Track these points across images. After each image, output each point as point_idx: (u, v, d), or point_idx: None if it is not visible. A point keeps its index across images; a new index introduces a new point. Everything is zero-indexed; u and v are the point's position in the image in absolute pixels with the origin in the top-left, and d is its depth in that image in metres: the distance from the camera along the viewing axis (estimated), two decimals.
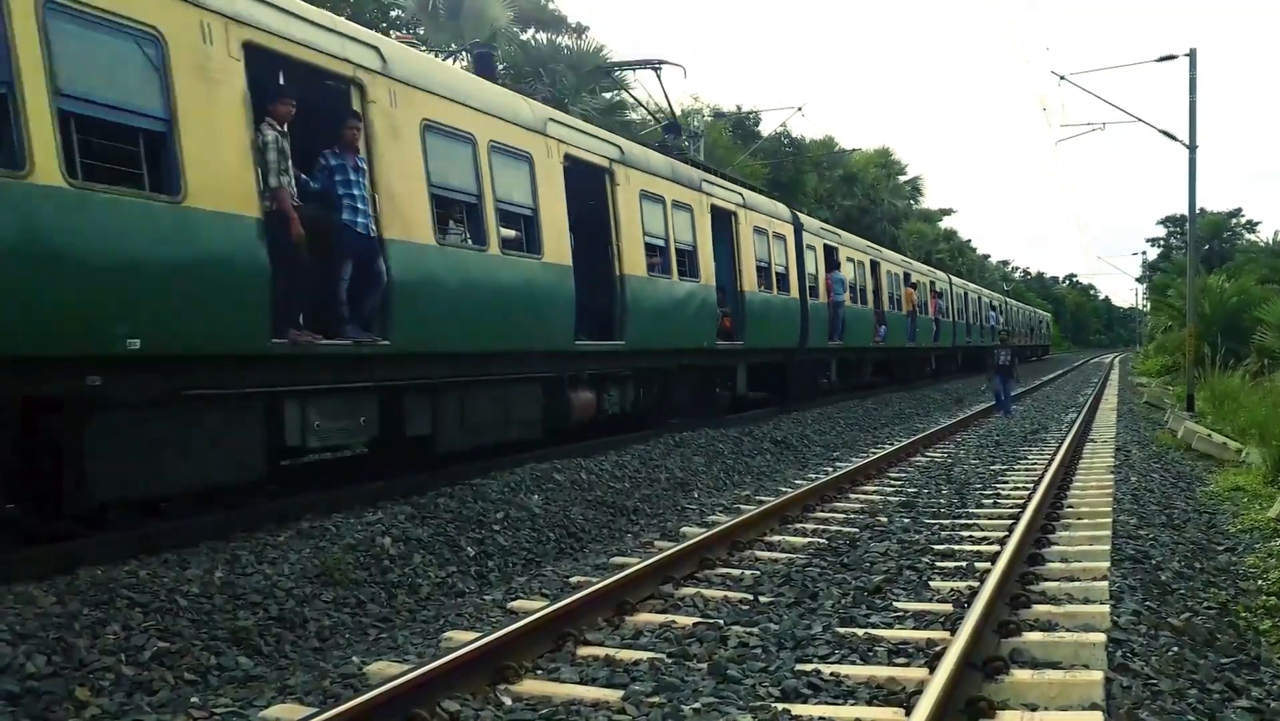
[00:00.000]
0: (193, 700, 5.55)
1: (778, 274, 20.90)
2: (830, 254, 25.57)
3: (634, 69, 22.95)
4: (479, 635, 6.03)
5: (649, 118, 25.65)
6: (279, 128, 8.92)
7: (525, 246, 12.11)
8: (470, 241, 11.06)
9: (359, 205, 9.44)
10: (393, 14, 29.27)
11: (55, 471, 7.35)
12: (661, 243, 15.72)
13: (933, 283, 38.23)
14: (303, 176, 9.37)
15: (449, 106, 10.74)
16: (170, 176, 7.56)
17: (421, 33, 28.85)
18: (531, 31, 33.48)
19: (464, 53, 26.94)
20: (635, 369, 15.32)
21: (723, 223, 18.46)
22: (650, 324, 15.08)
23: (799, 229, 23.10)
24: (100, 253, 7.02)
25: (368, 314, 9.62)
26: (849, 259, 27.09)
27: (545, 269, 12.23)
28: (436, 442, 10.85)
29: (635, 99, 30.08)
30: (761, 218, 20.43)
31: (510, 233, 11.81)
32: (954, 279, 44.62)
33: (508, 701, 5.29)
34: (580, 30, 34.25)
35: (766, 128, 46.11)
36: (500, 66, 26.93)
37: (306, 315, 9.31)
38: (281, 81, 9.42)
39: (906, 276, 34.07)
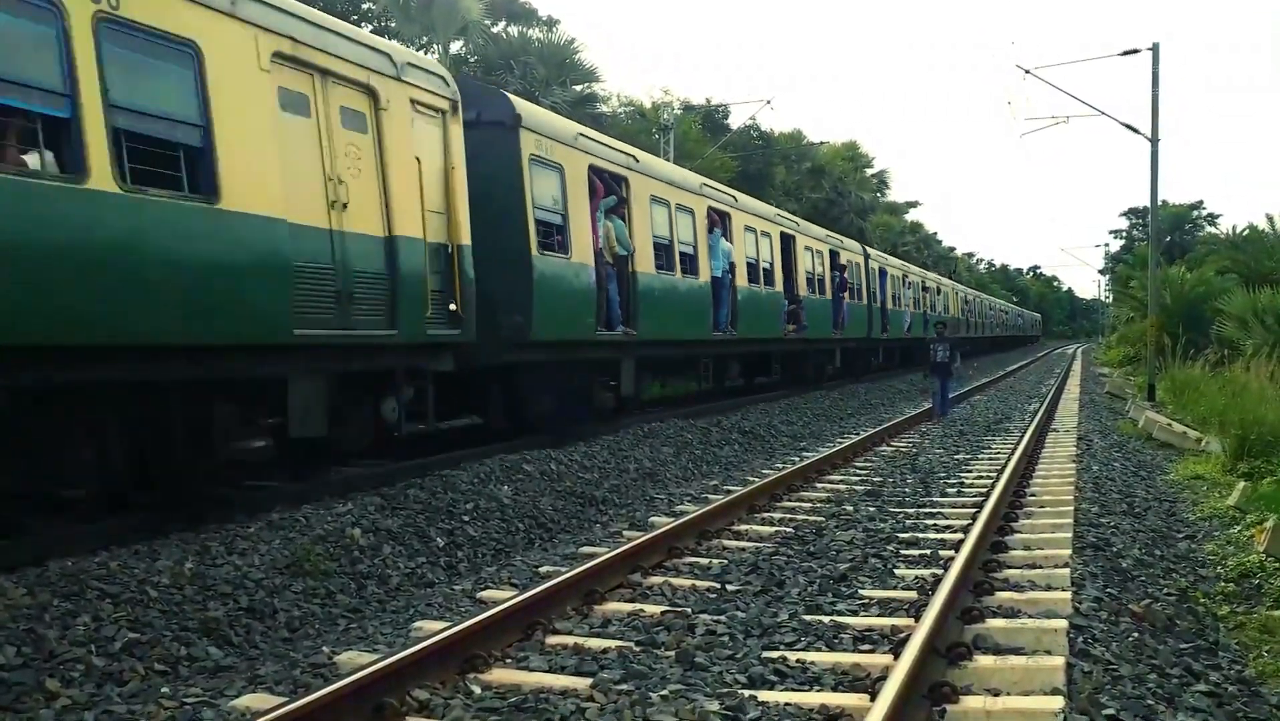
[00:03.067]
0: (163, 690, 5.55)
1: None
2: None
3: None
4: (448, 625, 6.07)
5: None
6: None
7: None
8: None
9: None
10: (364, 6, 29.14)
11: None
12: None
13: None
14: None
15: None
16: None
17: (393, 25, 28.73)
18: (503, 24, 33.50)
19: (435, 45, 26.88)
20: None
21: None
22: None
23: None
24: None
25: None
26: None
27: None
28: None
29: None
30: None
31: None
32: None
33: (477, 690, 5.32)
34: (551, 23, 34.32)
35: (736, 121, 46.23)
36: (471, 60, 26.85)
37: None
38: None
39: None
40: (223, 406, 8.84)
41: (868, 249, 34.51)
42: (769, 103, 50.27)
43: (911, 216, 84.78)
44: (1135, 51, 26.03)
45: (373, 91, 9.93)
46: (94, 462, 8.05)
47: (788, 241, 24.30)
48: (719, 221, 19.58)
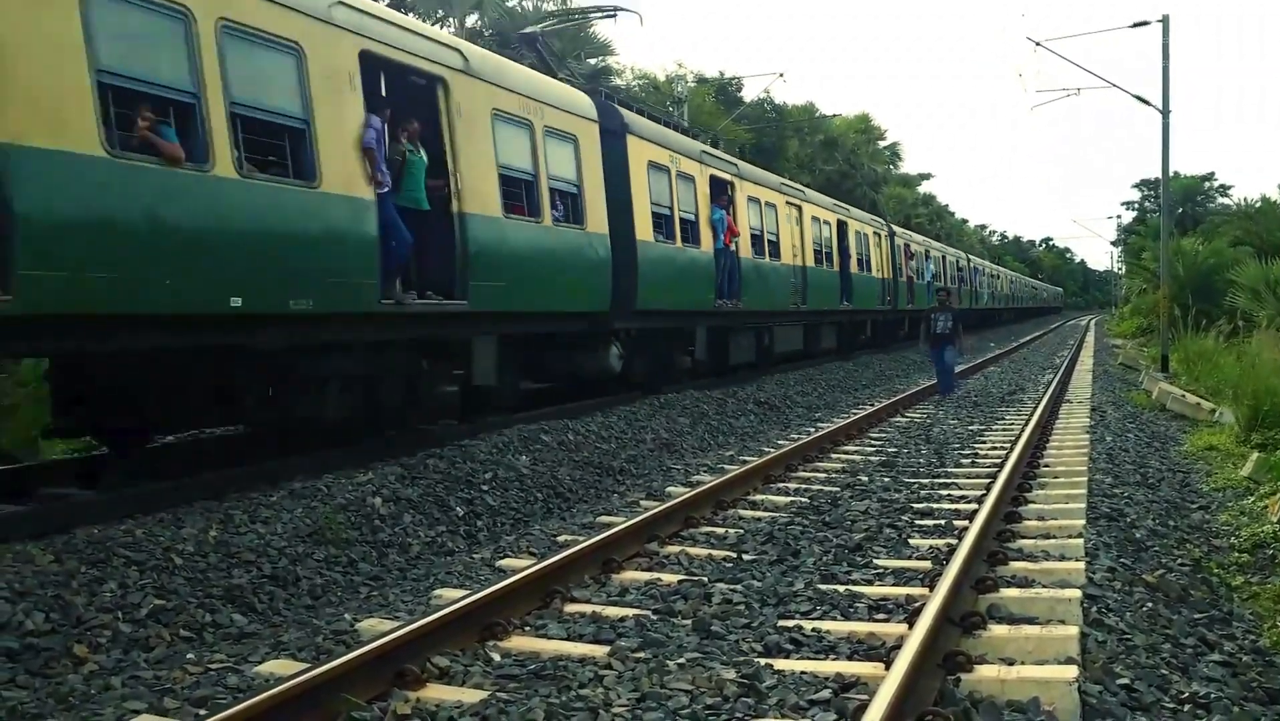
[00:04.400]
0: (188, 656, 5.65)
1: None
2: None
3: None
4: (468, 592, 6.13)
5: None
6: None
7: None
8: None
9: None
10: None
11: None
12: None
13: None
14: None
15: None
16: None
17: None
18: None
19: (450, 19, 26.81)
20: None
21: None
22: None
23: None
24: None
25: None
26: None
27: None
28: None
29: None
30: None
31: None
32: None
33: (496, 657, 5.38)
34: None
35: (749, 94, 46.00)
36: (486, 33, 26.87)
37: None
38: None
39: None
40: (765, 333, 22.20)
41: (971, 257, 55.36)
42: (781, 75, 50.32)
43: (924, 188, 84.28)
44: (1145, 24, 25.90)
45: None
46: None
47: (943, 257, 43.45)
48: (926, 254, 39.67)
